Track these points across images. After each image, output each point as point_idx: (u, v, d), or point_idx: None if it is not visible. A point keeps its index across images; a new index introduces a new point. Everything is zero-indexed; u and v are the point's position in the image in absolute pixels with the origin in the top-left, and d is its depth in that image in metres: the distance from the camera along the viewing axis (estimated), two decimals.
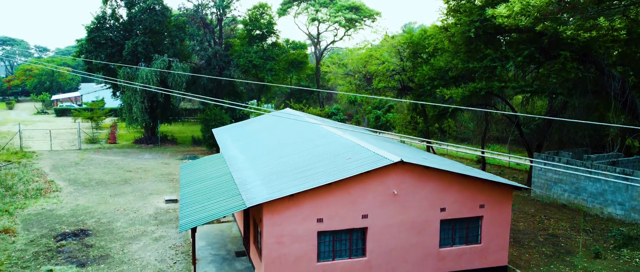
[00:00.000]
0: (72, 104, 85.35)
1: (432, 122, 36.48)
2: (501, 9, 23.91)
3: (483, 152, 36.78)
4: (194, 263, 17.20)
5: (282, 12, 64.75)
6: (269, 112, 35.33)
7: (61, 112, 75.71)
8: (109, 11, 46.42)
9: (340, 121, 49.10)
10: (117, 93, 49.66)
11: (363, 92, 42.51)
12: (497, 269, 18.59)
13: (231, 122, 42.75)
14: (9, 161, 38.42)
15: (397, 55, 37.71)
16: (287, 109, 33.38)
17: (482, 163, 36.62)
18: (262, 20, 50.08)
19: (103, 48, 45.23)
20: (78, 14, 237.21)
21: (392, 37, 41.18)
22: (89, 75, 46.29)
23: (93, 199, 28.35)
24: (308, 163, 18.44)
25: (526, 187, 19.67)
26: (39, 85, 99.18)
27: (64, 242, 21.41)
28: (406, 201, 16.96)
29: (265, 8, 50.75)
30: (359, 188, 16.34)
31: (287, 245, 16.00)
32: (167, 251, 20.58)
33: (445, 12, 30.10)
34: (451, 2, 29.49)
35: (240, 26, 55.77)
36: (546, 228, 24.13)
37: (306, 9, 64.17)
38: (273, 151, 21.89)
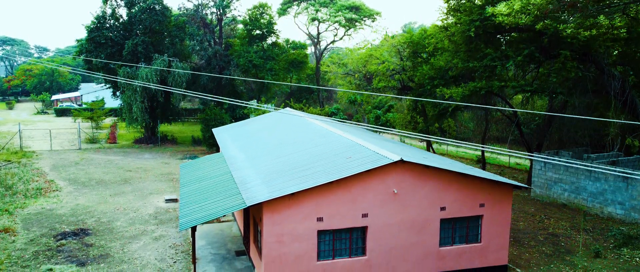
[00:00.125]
0: (72, 104, 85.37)
1: (432, 121, 36.48)
2: (501, 7, 23.92)
3: (483, 150, 36.78)
4: (194, 262, 17.20)
5: (282, 12, 64.75)
6: (270, 112, 35.32)
7: (61, 112, 75.73)
8: (109, 11, 46.44)
9: (340, 121, 49.07)
10: (117, 93, 49.66)
11: (363, 91, 42.51)
12: (497, 269, 18.58)
13: (231, 122, 42.76)
14: (9, 161, 38.43)
15: (397, 54, 37.72)
16: (287, 109, 33.37)
17: (482, 163, 36.62)
18: (262, 20, 50.09)
19: (103, 48, 45.23)
20: (78, 14, 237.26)
21: (392, 37, 41.19)
22: (90, 73, 46.25)
23: (93, 199, 28.35)
24: (308, 162, 18.44)
25: (526, 186, 19.66)
26: (39, 85, 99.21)
27: (63, 241, 21.41)
28: (406, 200, 16.95)
29: (265, 8, 50.75)
30: (359, 187, 16.34)
31: (287, 244, 15.99)
32: (167, 250, 20.57)
33: (445, 11, 30.10)
34: (451, 1, 29.50)
35: (240, 26, 55.77)
36: (546, 227, 24.13)
37: (306, 8, 64.16)
38: (273, 150, 21.89)
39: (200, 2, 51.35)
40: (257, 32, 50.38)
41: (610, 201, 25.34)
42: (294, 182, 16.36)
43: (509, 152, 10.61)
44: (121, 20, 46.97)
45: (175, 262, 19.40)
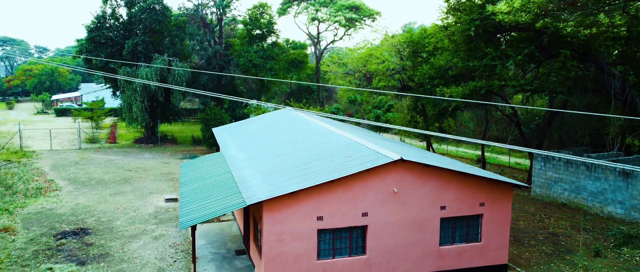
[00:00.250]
0: (72, 104, 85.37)
1: (432, 121, 36.46)
2: (501, 5, 23.93)
3: (483, 148, 36.78)
4: (194, 261, 17.20)
5: (282, 11, 64.76)
6: (270, 111, 35.29)
7: (61, 112, 75.73)
8: (109, 11, 46.44)
9: (340, 120, 49.11)
10: (117, 93, 49.67)
11: (363, 91, 42.52)
12: (497, 268, 18.57)
13: (231, 122, 42.75)
14: (9, 161, 38.42)
15: (397, 54, 37.72)
16: (287, 109, 33.35)
17: (482, 162, 36.61)
18: (262, 20, 50.08)
19: (103, 47, 45.24)
20: (78, 14, 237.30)
21: (392, 37, 41.20)
22: (92, 71, 46.18)
23: (93, 198, 28.34)
24: (308, 161, 18.44)
25: (526, 185, 19.64)
26: (39, 85, 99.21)
27: (63, 240, 21.40)
28: (406, 199, 16.94)
29: (265, 7, 50.75)
30: (359, 186, 16.33)
31: (287, 243, 15.98)
32: (167, 250, 20.57)
33: (446, 10, 30.11)
34: (451, 0, 29.49)
35: (240, 26, 55.78)
36: (546, 227, 24.12)
37: (306, 8, 64.16)
38: (273, 150, 21.88)
39: (200, 2, 51.35)
40: (257, 32, 50.38)
41: (610, 201, 25.33)
42: (294, 181, 16.35)
43: (510, 147, 10.61)
44: (121, 20, 46.97)
45: (175, 261, 19.40)
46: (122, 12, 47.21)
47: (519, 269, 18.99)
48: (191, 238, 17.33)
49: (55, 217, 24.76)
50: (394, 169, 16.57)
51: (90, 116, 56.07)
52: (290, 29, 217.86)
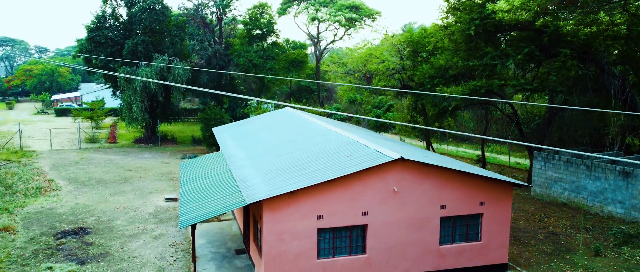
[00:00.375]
0: (72, 104, 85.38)
1: (432, 121, 36.47)
2: (501, 4, 23.93)
3: (483, 147, 36.77)
4: (194, 261, 17.19)
5: (282, 11, 64.77)
6: (272, 109, 35.27)
7: (61, 112, 75.74)
8: (109, 10, 46.46)
9: (340, 121, 49.11)
10: (117, 93, 49.66)
11: (363, 91, 42.53)
12: (497, 267, 18.57)
13: (231, 122, 42.75)
14: (9, 160, 38.42)
15: (397, 54, 37.72)
16: (287, 108, 33.36)
17: (482, 162, 36.61)
18: (262, 20, 50.08)
19: (103, 47, 45.25)
20: (78, 14, 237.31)
21: (392, 36, 41.20)
22: (93, 70, 46.15)
23: (93, 198, 28.34)
24: (308, 160, 18.43)
25: (526, 184, 19.62)
26: (39, 85, 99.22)
27: (63, 240, 21.39)
28: (406, 198, 16.94)
29: (265, 7, 50.76)
30: (358, 185, 16.32)
31: (287, 242, 15.98)
32: (167, 249, 20.56)
33: (446, 10, 30.11)
34: (451, 0, 29.49)
35: (240, 26, 55.79)
36: (546, 226, 24.11)
37: (306, 8, 64.17)
38: (273, 149, 21.88)
39: (200, 2, 51.35)
40: (257, 31, 50.38)
41: (610, 200, 25.32)
42: (294, 180, 16.35)
43: (511, 141, 10.57)
44: (121, 20, 46.98)
45: (175, 260, 19.39)
46: (122, 12, 47.27)
47: (519, 269, 18.99)
48: (191, 237, 17.33)
49: (55, 216, 24.75)
50: (394, 168, 16.57)
51: (90, 116, 56.08)
52: (290, 29, 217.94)
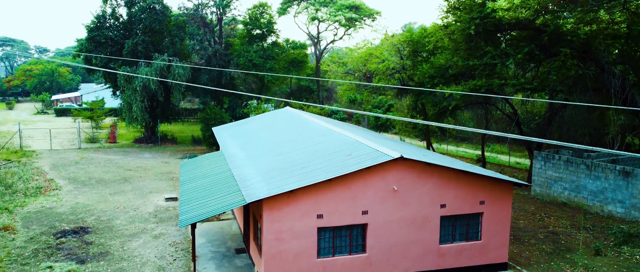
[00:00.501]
0: (72, 104, 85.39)
1: (432, 120, 36.48)
2: (501, 2, 23.95)
3: (483, 146, 36.76)
4: (194, 260, 17.18)
5: (282, 11, 64.77)
6: (272, 109, 35.27)
7: (61, 112, 75.74)
8: (109, 10, 46.45)
9: (341, 120, 49.12)
10: (117, 92, 49.65)
11: (363, 91, 42.51)
12: (497, 266, 18.56)
13: (231, 121, 42.75)
14: (9, 160, 38.41)
15: (397, 53, 37.72)
16: (287, 108, 33.35)
17: (482, 162, 36.61)
18: (262, 20, 50.08)
19: (103, 47, 45.25)
20: (78, 14, 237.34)
21: (392, 36, 41.21)
22: (94, 68, 46.13)
23: (93, 197, 28.33)
24: (308, 160, 18.43)
25: (526, 183, 19.62)
26: (39, 85, 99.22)
27: (63, 239, 21.39)
28: (406, 197, 16.93)
29: (265, 7, 50.76)
30: (359, 184, 16.32)
31: (287, 241, 15.97)
32: (166, 248, 20.55)
33: (446, 9, 30.11)
34: None
35: (240, 26, 55.82)
36: (546, 226, 24.11)
37: (306, 8, 64.17)
38: (273, 149, 21.87)
39: (200, 2, 51.35)
40: (257, 31, 50.38)
41: (610, 200, 25.31)
42: (293, 179, 16.35)
43: (512, 136, 10.54)
44: (121, 19, 46.98)
45: (175, 259, 19.38)
46: (122, 11, 47.27)
47: (519, 268, 18.98)
48: (191, 236, 17.32)
49: (55, 216, 24.74)
50: (394, 167, 16.56)
51: (90, 116, 56.08)
52: (290, 28, 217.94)
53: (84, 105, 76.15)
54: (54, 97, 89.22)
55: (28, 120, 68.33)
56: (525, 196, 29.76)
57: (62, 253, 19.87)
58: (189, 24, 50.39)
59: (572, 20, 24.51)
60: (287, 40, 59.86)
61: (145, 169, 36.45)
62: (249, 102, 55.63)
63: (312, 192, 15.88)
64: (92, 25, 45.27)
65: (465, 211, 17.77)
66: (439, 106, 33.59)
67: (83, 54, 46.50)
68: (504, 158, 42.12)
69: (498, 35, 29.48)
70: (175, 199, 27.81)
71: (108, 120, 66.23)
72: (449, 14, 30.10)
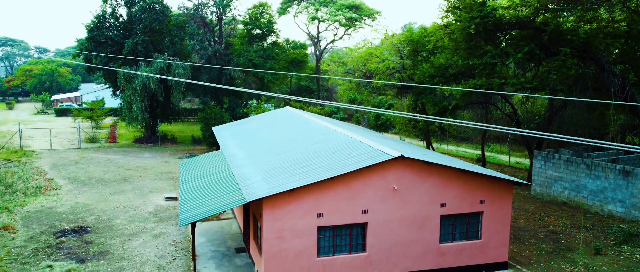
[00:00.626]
0: (72, 104, 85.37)
1: (432, 120, 36.48)
2: (502, 0, 23.96)
3: (483, 146, 36.74)
4: (194, 259, 17.18)
5: (282, 11, 64.77)
6: (270, 109, 35.26)
7: (61, 112, 75.73)
8: (109, 10, 46.45)
9: (341, 120, 49.11)
10: (117, 92, 49.65)
11: (363, 91, 42.50)
12: (497, 265, 18.55)
13: (231, 121, 42.75)
14: (9, 160, 38.40)
15: (397, 53, 37.72)
16: (287, 108, 33.34)
17: (482, 162, 36.60)
18: (262, 20, 50.09)
19: (103, 47, 45.25)
20: (78, 14, 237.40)
21: (392, 35, 41.21)
22: (95, 66, 46.13)
23: (93, 197, 28.32)
24: (308, 159, 18.42)
25: (526, 182, 19.62)
26: (39, 85, 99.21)
27: (63, 238, 21.38)
28: (406, 196, 16.93)
29: (265, 7, 50.77)
30: (359, 183, 16.31)
31: (287, 240, 15.96)
32: (166, 247, 20.54)
33: (446, 9, 30.10)
34: None
35: (240, 26, 55.83)
36: (546, 225, 24.10)
37: (306, 8, 64.17)
38: (273, 148, 21.87)
39: (200, 2, 51.36)
40: (257, 31, 50.39)
41: (610, 199, 25.30)
42: (293, 178, 16.34)
43: (514, 130, 10.50)
44: (121, 19, 46.98)
45: (175, 259, 19.37)
46: (122, 11, 47.27)
47: (519, 267, 18.97)
48: (191, 236, 17.31)
49: (55, 215, 24.73)
50: (394, 167, 16.56)
51: (90, 116, 56.08)
52: (290, 28, 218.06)
53: (84, 105, 76.15)
54: (54, 97, 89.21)
55: (28, 120, 68.32)
56: (525, 196, 29.76)
57: (62, 252, 19.86)
58: (189, 23, 50.40)
59: (572, 18, 24.50)
60: (287, 40, 59.88)
61: (145, 168, 36.44)
62: (249, 102, 55.64)
63: (312, 191, 15.88)
64: (92, 25, 45.27)
65: (466, 210, 17.76)
66: (439, 106, 33.58)
67: (83, 53, 46.50)
68: (504, 158, 42.12)
69: (498, 34, 29.48)
70: (175, 198, 27.80)
71: (108, 120, 66.22)
72: (449, 13, 30.10)
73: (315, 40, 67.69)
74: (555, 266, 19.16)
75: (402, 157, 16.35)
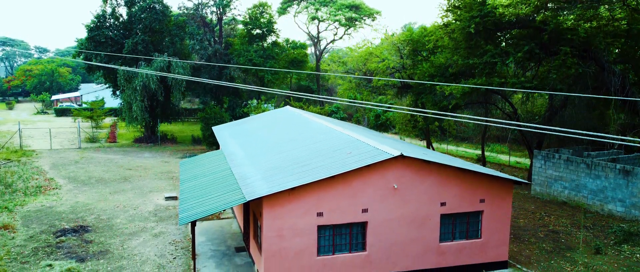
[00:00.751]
0: (72, 104, 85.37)
1: (432, 120, 36.47)
2: None
3: (483, 145, 36.73)
4: (194, 258, 17.17)
5: (282, 11, 64.79)
6: (272, 108, 35.26)
7: (61, 112, 75.73)
8: (109, 10, 46.47)
9: (341, 119, 49.11)
10: (117, 92, 49.65)
11: (363, 91, 42.49)
12: (497, 264, 18.55)
13: (231, 121, 42.74)
14: (9, 159, 38.40)
15: (397, 52, 37.72)
16: (287, 107, 33.34)
17: (482, 161, 36.59)
18: (262, 19, 50.08)
19: (103, 47, 45.24)
20: (78, 14, 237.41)
21: (392, 35, 41.21)
22: (96, 64, 46.12)
23: (93, 197, 28.32)
24: (308, 158, 18.42)
25: (526, 181, 19.61)
26: (39, 85, 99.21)
27: (63, 238, 21.38)
28: (406, 195, 16.92)
29: (265, 7, 50.76)
30: (359, 182, 16.31)
31: (287, 239, 15.96)
32: (166, 247, 20.54)
33: (446, 8, 30.09)
34: None
35: (240, 26, 55.83)
36: (546, 225, 24.10)
37: (306, 7, 64.18)
38: (273, 147, 21.87)
39: (200, 2, 51.35)
40: (257, 31, 50.38)
41: (610, 199, 25.30)
42: (294, 177, 16.34)
43: (517, 125, 10.48)
44: (121, 19, 46.99)
45: (175, 258, 19.37)
46: (122, 11, 47.28)
47: (519, 266, 18.96)
48: (191, 235, 17.31)
49: (55, 215, 24.73)
50: (394, 166, 16.55)
51: (90, 116, 56.09)
52: (290, 28, 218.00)
53: (84, 105, 76.16)
54: (54, 97, 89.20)
55: (28, 120, 68.31)
56: (525, 195, 29.75)
57: (62, 251, 19.86)
58: (189, 23, 50.40)
59: (572, 17, 24.49)
60: (287, 40, 59.89)
61: (145, 168, 36.44)
62: (249, 102, 55.63)
63: (313, 190, 15.87)
64: (92, 25, 45.27)
65: (466, 209, 17.76)
66: (438, 105, 33.56)
67: (84, 52, 46.49)
68: (504, 157, 42.12)
69: (498, 33, 29.47)
70: (175, 198, 27.80)
71: (108, 120, 66.22)
72: (449, 13, 30.09)
73: (315, 40, 67.69)
74: (556, 265, 19.16)
75: (402, 156, 16.34)
